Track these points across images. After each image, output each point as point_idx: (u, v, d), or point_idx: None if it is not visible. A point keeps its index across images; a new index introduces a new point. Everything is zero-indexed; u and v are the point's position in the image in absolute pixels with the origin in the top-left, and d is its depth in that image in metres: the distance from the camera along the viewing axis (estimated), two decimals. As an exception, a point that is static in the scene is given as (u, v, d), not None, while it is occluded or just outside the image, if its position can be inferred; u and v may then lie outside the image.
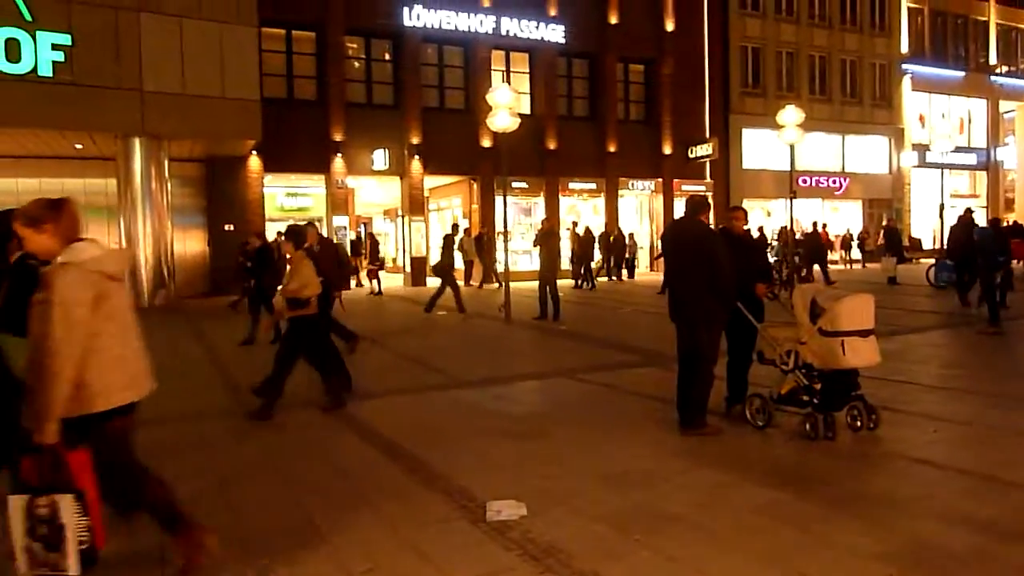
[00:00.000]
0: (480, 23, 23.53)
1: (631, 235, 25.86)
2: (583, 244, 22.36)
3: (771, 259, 24.42)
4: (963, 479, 4.71)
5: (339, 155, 21.97)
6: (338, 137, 21.89)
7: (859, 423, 5.77)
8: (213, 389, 8.34)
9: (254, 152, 20.56)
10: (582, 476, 4.91)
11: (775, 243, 25.58)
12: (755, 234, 23.73)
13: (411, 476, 5.00)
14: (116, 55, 15.89)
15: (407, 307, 17.44)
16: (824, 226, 26.65)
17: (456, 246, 22.84)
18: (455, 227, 15.82)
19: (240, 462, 5.46)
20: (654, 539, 3.85)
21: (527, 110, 24.89)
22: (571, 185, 26.06)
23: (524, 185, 24.76)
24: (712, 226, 6.39)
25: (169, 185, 17.80)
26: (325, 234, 22.52)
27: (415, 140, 22.97)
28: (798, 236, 23.33)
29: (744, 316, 6.14)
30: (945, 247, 17.28)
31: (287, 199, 23.52)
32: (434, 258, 23.71)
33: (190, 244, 20.83)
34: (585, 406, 7.11)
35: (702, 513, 4.22)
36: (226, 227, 20.63)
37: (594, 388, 7.90)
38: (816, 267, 21.87)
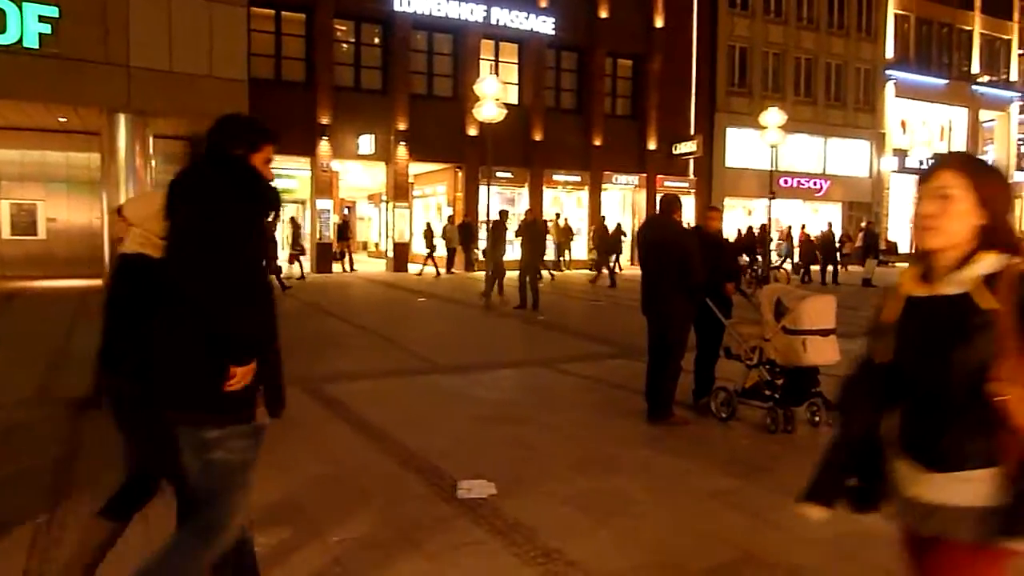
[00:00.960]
0: (471, 12, 23.61)
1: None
2: (610, 238, 21.48)
3: (775, 257, 25.20)
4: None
5: (325, 138, 22.01)
6: (325, 120, 21.92)
7: (817, 418, 6.05)
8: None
9: (240, 132, 20.52)
10: (551, 460, 5.14)
11: (780, 241, 26.19)
12: (756, 231, 24.48)
13: (388, 456, 5.20)
14: (104, 30, 15.83)
15: (390, 293, 17.60)
16: (803, 227, 27.11)
17: (440, 233, 23.15)
18: (503, 214, 15.08)
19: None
20: (615, 520, 4.09)
21: (515, 101, 25.01)
22: (555, 177, 26.25)
23: (509, 175, 24.92)
24: (685, 224, 6.61)
25: (154, 162, 17.78)
26: (309, 216, 22.75)
27: (402, 126, 23.05)
28: (813, 237, 23.90)
29: (713, 312, 6.39)
30: None
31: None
32: (417, 244, 23.98)
33: (173, 222, 20.79)
34: (559, 394, 7.35)
35: (661, 497, 4.47)
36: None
37: (569, 377, 8.13)
38: (829, 267, 22.37)
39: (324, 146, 22.06)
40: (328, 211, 23.59)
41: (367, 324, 12.06)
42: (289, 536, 3.81)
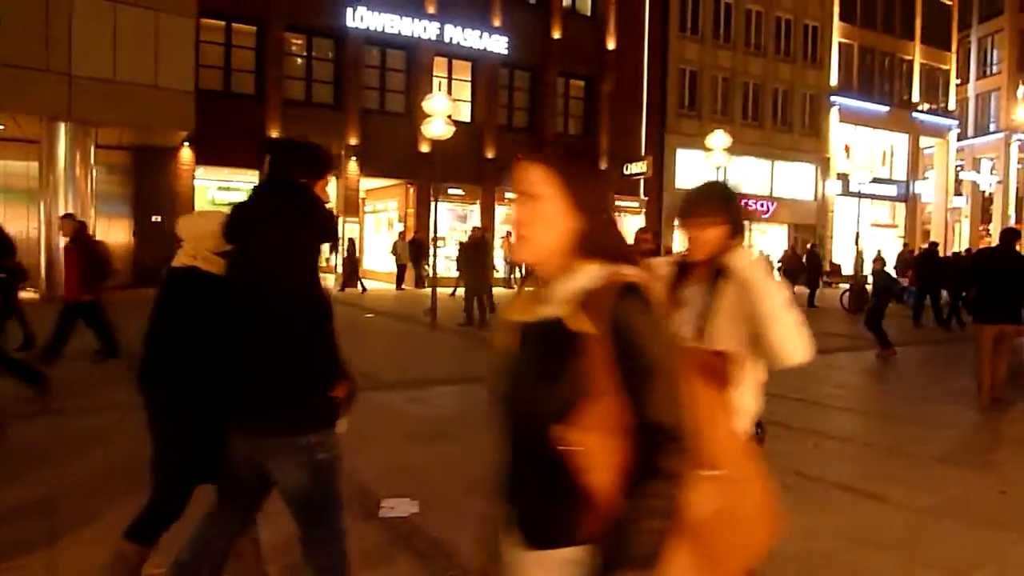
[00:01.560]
0: (424, 29, 23.69)
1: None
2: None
3: None
4: (827, 490, 5.09)
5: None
6: (275, 133, 21.68)
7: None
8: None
9: (186, 143, 20.24)
10: (479, 478, 5.11)
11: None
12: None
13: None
14: (45, 37, 15.48)
15: (337, 309, 17.38)
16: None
17: (389, 249, 23.02)
18: (480, 230, 15.18)
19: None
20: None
21: (467, 118, 25.15)
22: (508, 195, 26.21)
23: (461, 192, 24.96)
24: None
25: (95, 172, 17.38)
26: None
27: (353, 141, 22.94)
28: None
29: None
30: (914, 274, 18.80)
31: (219, 193, 23.15)
32: (371, 260, 23.81)
33: (115, 234, 20.32)
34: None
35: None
36: (154, 218, 20.22)
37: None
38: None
39: (273, 159, 21.78)
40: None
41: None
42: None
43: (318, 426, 2.60)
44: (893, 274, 13.10)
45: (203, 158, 20.75)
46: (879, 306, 12.07)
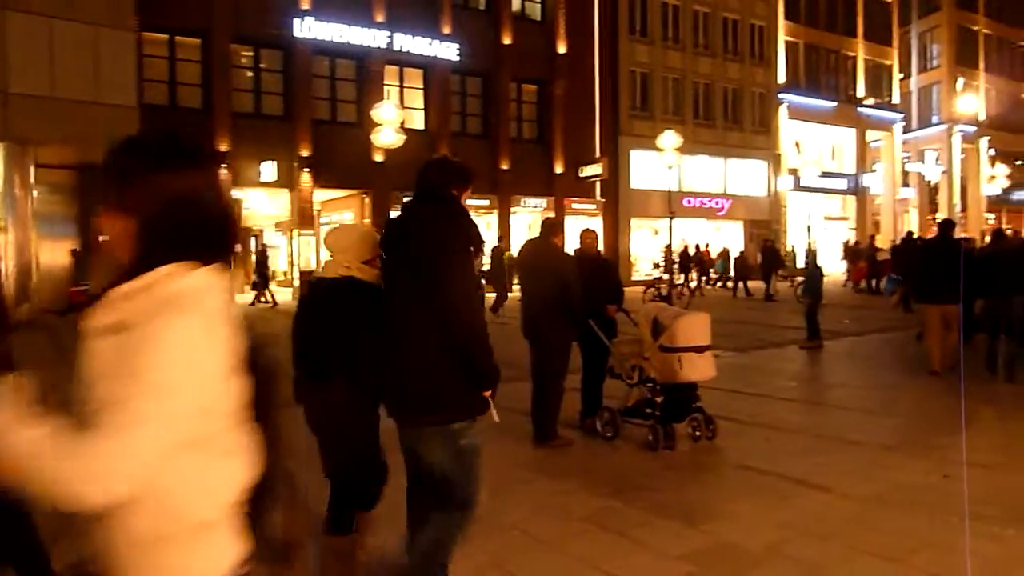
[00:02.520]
0: (373, 38, 23.56)
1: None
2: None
3: (713, 274, 26.55)
4: (775, 483, 5.12)
5: (224, 165, 21.41)
6: (224, 147, 21.37)
7: (698, 433, 6.17)
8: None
9: (133, 160, 19.77)
10: (428, 489, 5.05)
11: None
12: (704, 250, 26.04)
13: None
14: (-23, 54, 15.08)
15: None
16: (707, 246, 28.02)
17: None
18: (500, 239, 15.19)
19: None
20: (484, 545, 4.03)
21: (421, 126, 25.08)
22: (464, 201, 26.23)
23: (417, 200, 24.80)
24: (567, 248, 6.68)
25: (36, 192, 16.92)
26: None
27: (305, 152, 22.70)
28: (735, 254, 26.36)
29: (597, 334, 6.46)
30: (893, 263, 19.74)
31: (169, 209, 22.67)
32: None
33: (59, 256, 19.77)
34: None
35: (534, 520, 4.45)
36: (101, 239, 19.68)
37: (462, 402, 8.05)
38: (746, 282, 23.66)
39: (223, 173, 21.45)
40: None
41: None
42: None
43: (463, 417, 2.97)
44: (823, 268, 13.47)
45: (151, 174, 20.27)
46: (814, 298, 12.24)
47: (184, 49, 21.57)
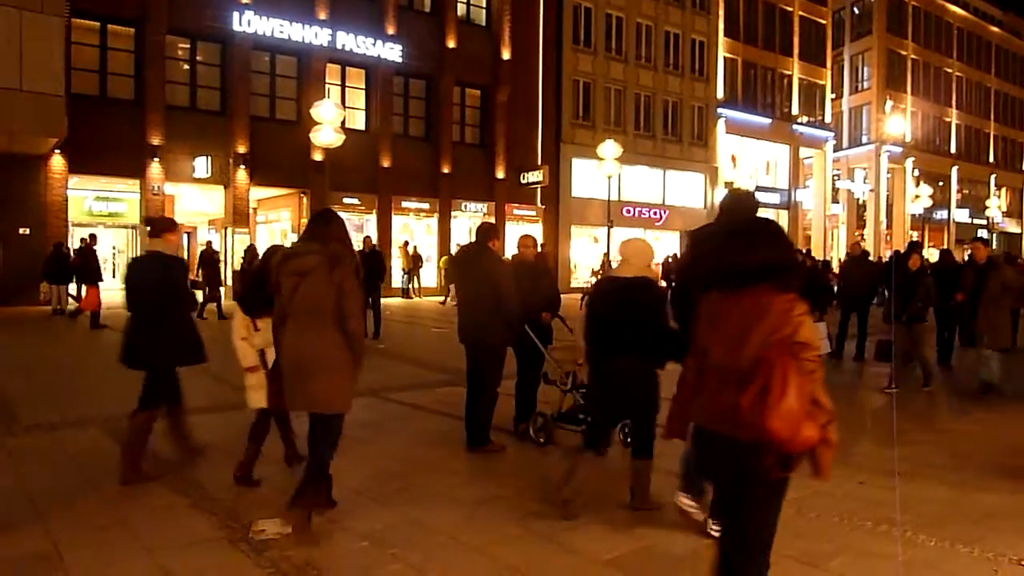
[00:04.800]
0: (315, 35, 23.22)
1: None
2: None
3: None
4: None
5: (156, 159, 20.79)
6: (156, 141, 20.73)
7: (629, 439, 6.23)
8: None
9: (57, 151, 19.05)
10: (356, 493, 4.99)
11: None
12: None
13: (180, 497, 4.87)
14: None
15: (225, 325, 16.70)
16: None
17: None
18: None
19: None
20: (410, 552, 4.00)
21: (362, 126, 24.83)
22: (404, 204, 26.13)
23: (356, 201, 24.56)
24: (502, 253, 6.69)
25: (-47, 183, 16.12)
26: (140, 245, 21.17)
27: (241, 149, 22.21)
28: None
29: (533, 339, 6.48)
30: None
31: (96, 203, 21.91)
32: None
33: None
34: (381, 426, 7.18)
35: (464, 526, 4.43)
36: (21, 231, 18.91)
37: (397, 407, 7.99)
38: None
39: (155, 168, 20.82)
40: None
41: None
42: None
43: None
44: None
45: (77, 166, 19.57)
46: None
47: (117, 38, 20.84)
